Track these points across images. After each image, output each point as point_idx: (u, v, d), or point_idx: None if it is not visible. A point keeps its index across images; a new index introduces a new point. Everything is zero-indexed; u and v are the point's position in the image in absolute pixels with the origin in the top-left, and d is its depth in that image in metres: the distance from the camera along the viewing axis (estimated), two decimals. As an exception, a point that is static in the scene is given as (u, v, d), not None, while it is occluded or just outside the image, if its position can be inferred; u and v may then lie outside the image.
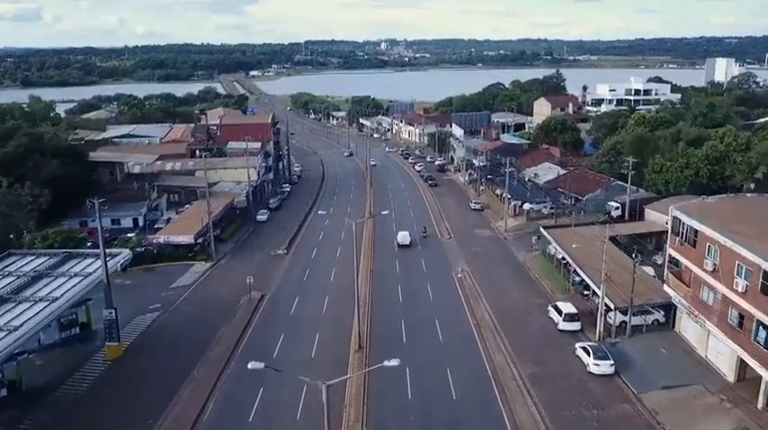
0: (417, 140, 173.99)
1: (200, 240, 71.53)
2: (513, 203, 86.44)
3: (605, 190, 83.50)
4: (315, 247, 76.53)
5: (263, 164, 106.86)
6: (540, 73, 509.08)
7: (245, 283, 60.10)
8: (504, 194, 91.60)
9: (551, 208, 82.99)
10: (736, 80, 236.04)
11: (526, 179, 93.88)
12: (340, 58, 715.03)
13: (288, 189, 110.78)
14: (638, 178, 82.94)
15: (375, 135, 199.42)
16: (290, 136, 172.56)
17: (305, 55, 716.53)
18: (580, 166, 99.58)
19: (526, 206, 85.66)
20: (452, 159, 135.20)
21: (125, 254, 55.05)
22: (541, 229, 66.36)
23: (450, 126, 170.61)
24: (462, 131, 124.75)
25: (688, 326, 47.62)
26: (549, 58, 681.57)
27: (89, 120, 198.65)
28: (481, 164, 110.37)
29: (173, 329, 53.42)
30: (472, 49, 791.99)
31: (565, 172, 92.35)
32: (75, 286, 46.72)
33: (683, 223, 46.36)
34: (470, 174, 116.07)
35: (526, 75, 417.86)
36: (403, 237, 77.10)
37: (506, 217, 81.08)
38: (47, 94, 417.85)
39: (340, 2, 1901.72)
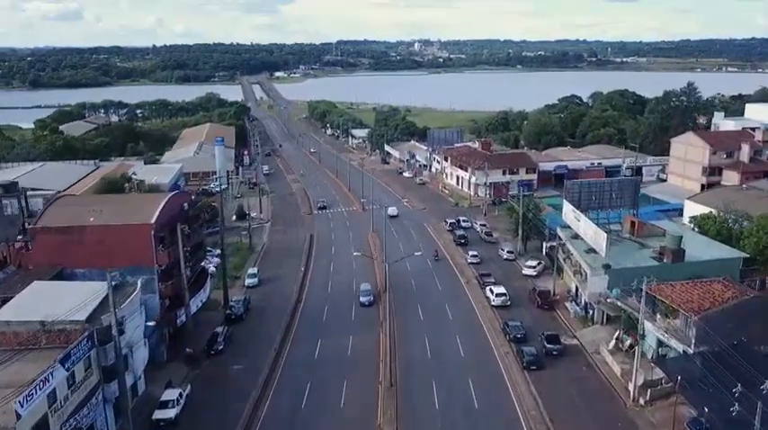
0: (473, 193, 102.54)
1: None
2: None
3: None
4: None
5: (98, 362, 36.54)
6: (587, 76, 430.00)
7: None
8: None
9: None
10: None
11: None
12: (371, 58, 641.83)
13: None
14: None
15: (406, 174, 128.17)
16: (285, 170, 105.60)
17: (335, 55, 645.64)
18: None
19: None
20: (552, 261, 63.57)
21: None
22: None
23: (530, 172, 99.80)
24: (605, 238, 49.37)
25: None
26: (593, 59, 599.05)
27: (13, 147, 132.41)
28: (678, 345, 39.33)
29: None
30: (510, 50, 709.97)
31: None
32: None
33: None
34: (632, 350, 44.25)
35: (571, 77, 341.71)
36: None
37: None
38: (53, 96, 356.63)
39: (373, 1, 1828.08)
